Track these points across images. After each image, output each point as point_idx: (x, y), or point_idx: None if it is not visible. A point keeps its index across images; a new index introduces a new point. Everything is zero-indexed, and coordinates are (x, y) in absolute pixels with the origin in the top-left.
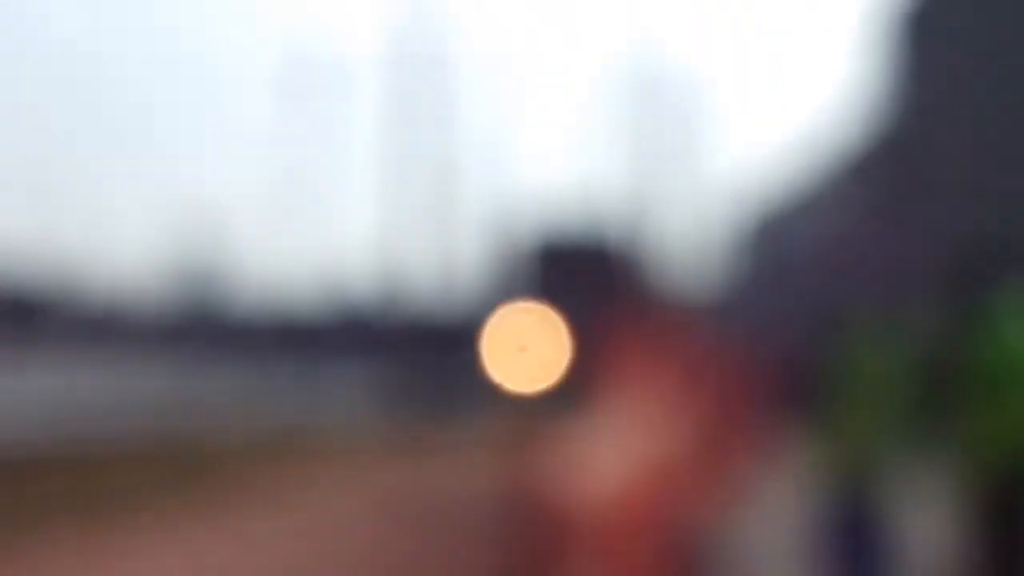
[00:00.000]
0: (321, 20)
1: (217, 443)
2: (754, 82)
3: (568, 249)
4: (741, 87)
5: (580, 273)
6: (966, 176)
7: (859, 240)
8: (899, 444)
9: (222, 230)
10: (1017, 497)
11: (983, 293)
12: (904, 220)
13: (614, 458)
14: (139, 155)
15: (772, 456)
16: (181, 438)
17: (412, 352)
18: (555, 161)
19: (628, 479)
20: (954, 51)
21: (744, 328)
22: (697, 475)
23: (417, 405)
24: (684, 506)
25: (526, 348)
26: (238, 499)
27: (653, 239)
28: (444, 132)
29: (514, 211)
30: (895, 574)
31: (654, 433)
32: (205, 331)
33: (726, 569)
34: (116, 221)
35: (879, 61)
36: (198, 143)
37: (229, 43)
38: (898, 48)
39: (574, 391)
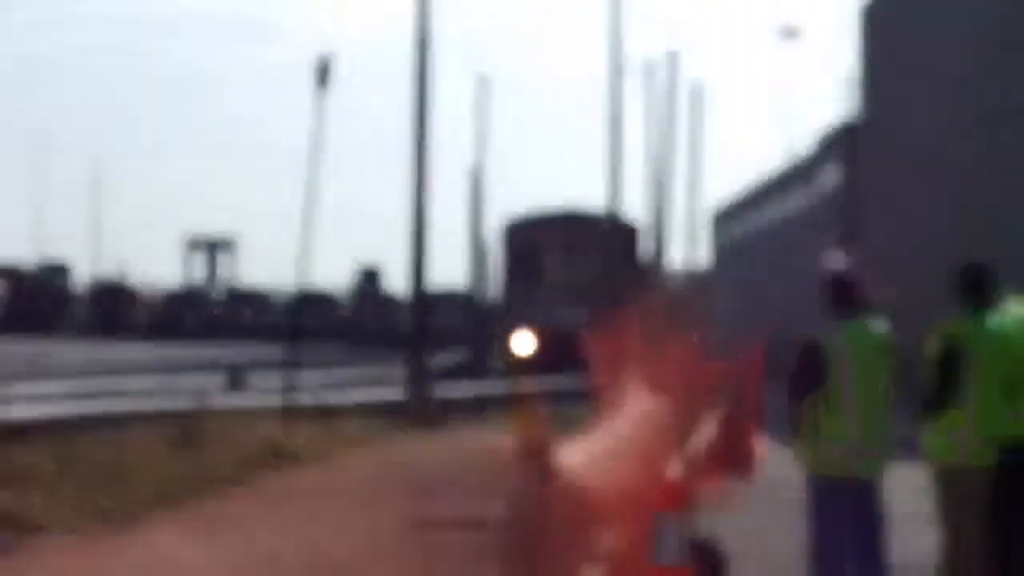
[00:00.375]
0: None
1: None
2: (740, 77)
3: (571, 222)
4: (730, 81)
5: (583, 248)
6: (942, 169)
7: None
8: (894, 431)
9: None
10: (1008, 480)
11: (974, 285)
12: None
13: (614, 442)
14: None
15: (766, 445)
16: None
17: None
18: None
19: (628, 463)
20: (917, 41)
21: (739, 320)
22: (698, 460)
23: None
24: (683, 493)
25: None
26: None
27: (655, 229)
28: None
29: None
30: (888, 560)
31: (655, 417)
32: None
33: (723, 556)
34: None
35: (855, 52)
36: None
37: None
38: (864, 39)
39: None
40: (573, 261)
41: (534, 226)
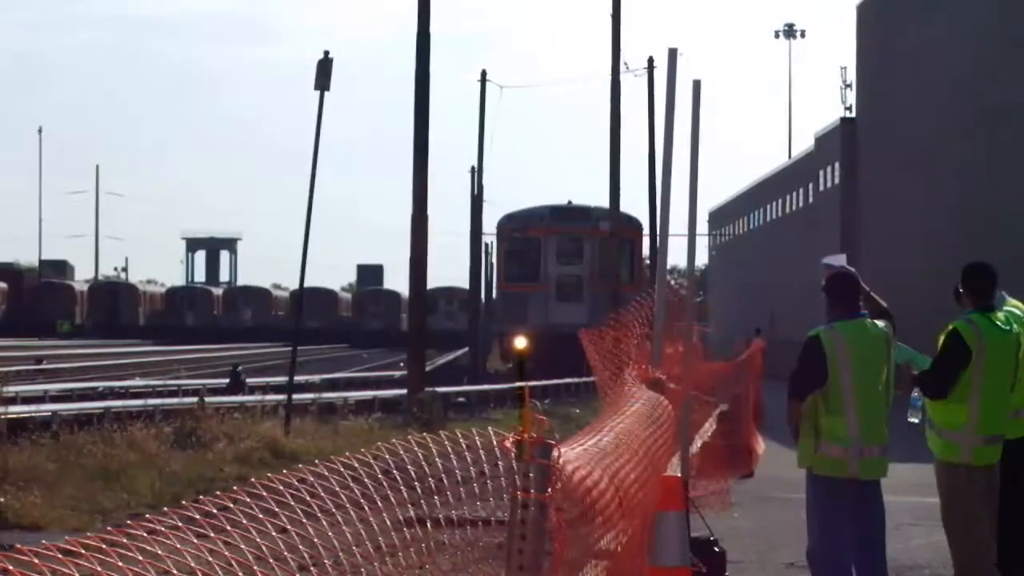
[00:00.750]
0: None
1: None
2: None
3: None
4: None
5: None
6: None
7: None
8: (890, 428)
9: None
10: (1011, 480)
11: (980, 285)
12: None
13: (615, 440)
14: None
15: (766, 444)
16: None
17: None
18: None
19: (628, 462)
20: (914, 40)
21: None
22: (698, 460)
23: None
24: (683, 492)
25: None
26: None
27: (652, 228)
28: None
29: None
30: (883, 554)
31: (655, 416)
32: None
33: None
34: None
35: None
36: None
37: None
38: (861, 38)
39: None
40: (570, 258)
41: (529, 222)
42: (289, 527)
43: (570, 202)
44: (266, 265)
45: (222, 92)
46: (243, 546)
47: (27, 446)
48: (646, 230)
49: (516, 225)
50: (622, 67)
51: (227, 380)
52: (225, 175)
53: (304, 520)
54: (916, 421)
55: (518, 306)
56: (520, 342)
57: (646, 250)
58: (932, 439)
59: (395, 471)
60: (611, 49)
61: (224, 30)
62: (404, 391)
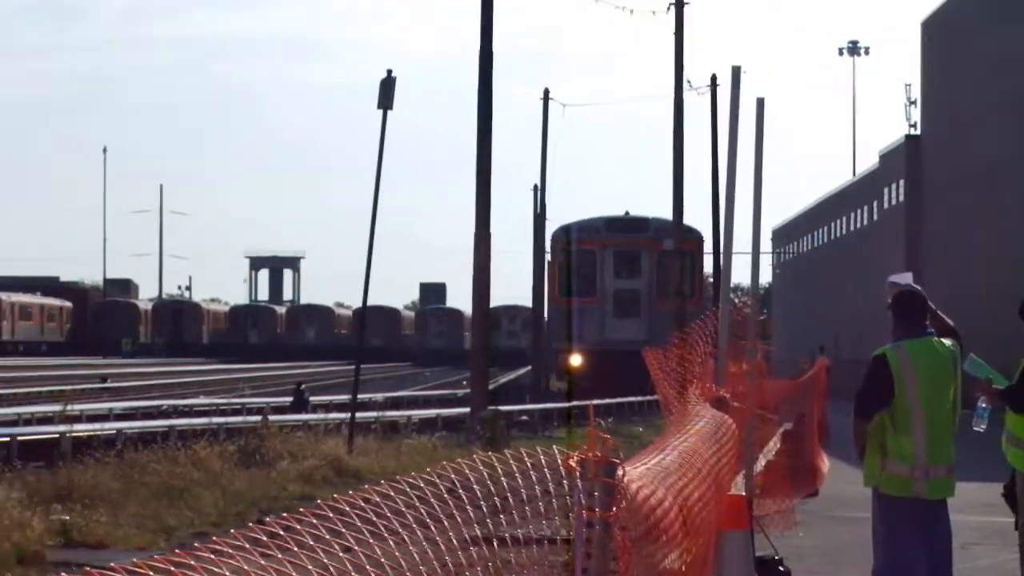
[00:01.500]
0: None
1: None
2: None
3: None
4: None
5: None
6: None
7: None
8: (955, 446)
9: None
10: None
11: None
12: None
13: (679, 459)
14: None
15: (830, 463)
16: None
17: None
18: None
19: (693, 481)
20: (978, 56)
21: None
22: (763, 478)
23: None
24: (748, 511)
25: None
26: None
27: (716, 245)
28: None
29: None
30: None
31: (720, 434)
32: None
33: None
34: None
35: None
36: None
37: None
38: (925, 55)
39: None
40: (628, 271)
41: (585, 234)
42: (355, 547)
43: (627, 213)
44: (329, 283)
45: (284, 112)
46: (309, 566)
47: (92, 464)
48: (707, 246)
49: (571, 238)
50: (685, 85)
51: (291, 398)
52: (288, 194)
53: (370, 540)
54: (981, 430)
55: (573, 322)
56: (574, 360)
57: (707, 266)
58: (1014, 454)
59: (460, 490)
60: (674, 67)
61: (285, 51)
62: (467, 409)
